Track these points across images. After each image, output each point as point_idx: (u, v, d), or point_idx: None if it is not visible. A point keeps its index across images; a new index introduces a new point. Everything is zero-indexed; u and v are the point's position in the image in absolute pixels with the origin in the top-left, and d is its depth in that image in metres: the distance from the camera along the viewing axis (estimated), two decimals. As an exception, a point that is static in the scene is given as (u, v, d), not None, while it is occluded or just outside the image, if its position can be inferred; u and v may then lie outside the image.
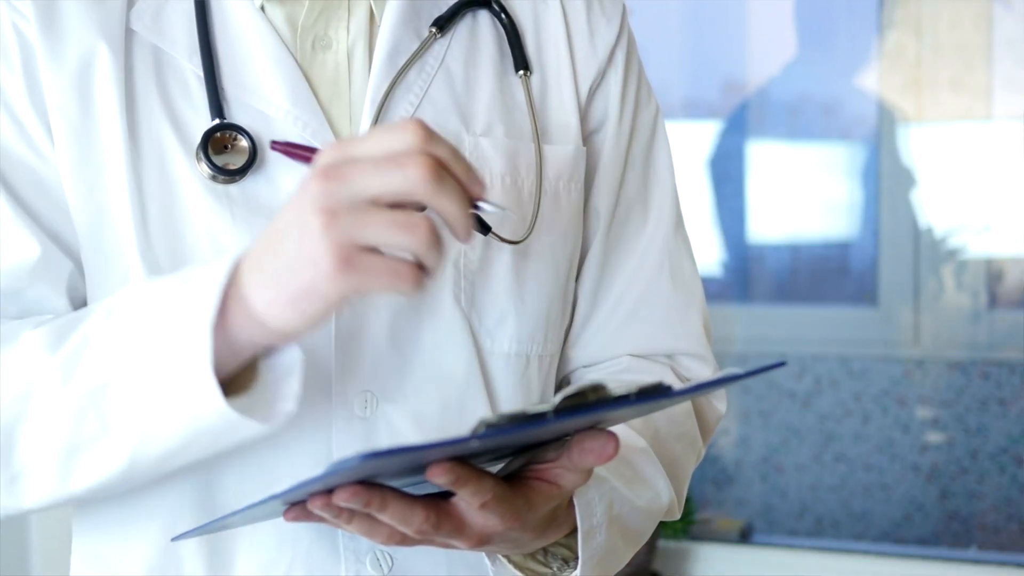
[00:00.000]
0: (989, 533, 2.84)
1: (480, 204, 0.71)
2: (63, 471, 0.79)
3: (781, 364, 0.76)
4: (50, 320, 0.84)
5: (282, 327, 0.72)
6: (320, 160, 0.71)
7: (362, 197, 0.68)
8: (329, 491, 0.70)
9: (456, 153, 0.70)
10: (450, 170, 0.69)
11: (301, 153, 0.79)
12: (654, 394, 0.68)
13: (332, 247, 0.68)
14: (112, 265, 0.88)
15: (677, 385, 0.71)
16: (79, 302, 0.89)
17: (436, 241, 0.69)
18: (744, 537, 2.63)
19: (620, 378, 0.93)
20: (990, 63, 2.83)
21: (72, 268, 0.88)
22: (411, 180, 0.68)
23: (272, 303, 0.72)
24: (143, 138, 0.88)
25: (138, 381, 0.75)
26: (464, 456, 0.69)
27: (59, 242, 0.88)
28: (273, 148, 0.80)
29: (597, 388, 0.67)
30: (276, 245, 0.72)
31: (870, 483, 2.92)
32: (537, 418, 0.65)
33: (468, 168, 0.70)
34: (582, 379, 0.68)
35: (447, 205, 0.69)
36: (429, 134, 0.69)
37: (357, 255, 0.68)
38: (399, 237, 0.68)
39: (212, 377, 0.73)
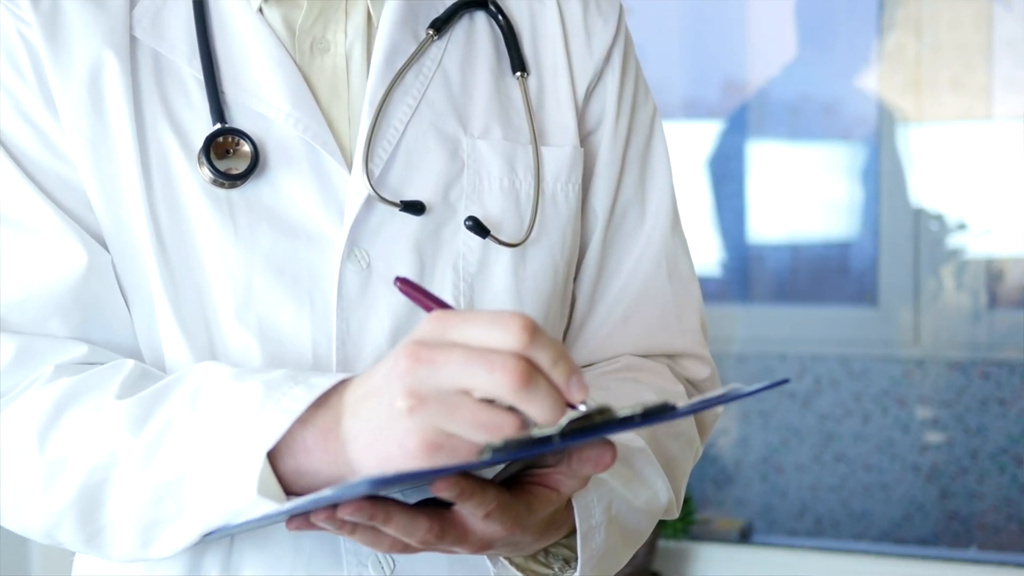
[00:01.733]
0: (989, 533, 2.84)
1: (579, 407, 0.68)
2: (143, 541, 0.81)
3: (785, 382, 0.77)
4: (130, 372, 0.84)
5: (365, 470, 0.73)
6: (418, 331, 0.69)
7: (449, 388, 0.67)
8: (333, 505, 0.70)
9: (559, 356, 0.67)
10: (547, 376, 0.67)
11: (421, 299, 0.75)
12: (659, 414, 0.69)
13: (417, 432, 0.68)
14: (134, 267, 0.88)
15: (680, 402, 0.72)
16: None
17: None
18: (744, 537, 2.63)
19: (623, 389, 0.93)
20: (990, 63, 2.83)
21: (112, 258, 0.89)
22: (498, 384, 0.66)
23: (365, 457, 0.72)
24: (149, 144, 0.88)
25: (214, 476, 0.77)
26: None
27: (98, 238, 0.88)
28: (398, 285, 0.76)
29: (603, 411, 0.67)
30: (368, 406, 0.72)
31: (870, 483, 2.92)
32: (543, 441, 0.66)
33: (569, 373, 0.67)
34: (589, 401, 0.68)
35: (535, 412, 0.67)
36: (533, 335, 0.67)
37: (443, 439, 0.68)
38: (482, 437, 0.67)
39: (282, 495, 0.74)
